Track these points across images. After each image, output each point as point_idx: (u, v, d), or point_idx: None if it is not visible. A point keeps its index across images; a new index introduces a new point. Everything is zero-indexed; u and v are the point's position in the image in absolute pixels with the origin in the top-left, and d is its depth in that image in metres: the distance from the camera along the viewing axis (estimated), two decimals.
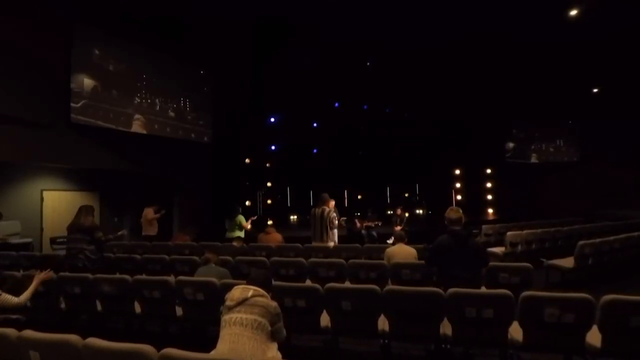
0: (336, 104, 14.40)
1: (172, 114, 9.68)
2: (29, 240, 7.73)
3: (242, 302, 2.26)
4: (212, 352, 2.16)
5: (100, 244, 4.65)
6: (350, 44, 10.33)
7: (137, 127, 8.79)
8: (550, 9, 8.84)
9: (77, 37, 7.64)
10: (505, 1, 8.59)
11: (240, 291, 2.33)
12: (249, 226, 7.15)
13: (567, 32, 9.66)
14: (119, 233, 5.09)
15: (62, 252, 5.24)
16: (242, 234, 6.97)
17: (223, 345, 2.16)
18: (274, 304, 2.34)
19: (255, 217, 7.74)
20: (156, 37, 9.25)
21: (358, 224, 9.06)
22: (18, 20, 6.76)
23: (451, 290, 2.75)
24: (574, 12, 8.71)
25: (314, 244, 5.88)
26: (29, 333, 2.09)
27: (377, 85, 12.74)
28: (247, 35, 10.20)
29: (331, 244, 5.86)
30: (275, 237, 6.43)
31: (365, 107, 14.74)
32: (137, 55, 8.93)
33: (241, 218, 7.03)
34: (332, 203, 6.73)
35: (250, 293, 2.29)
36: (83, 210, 4.67)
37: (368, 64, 12.43)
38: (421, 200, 15.02)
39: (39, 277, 3.36)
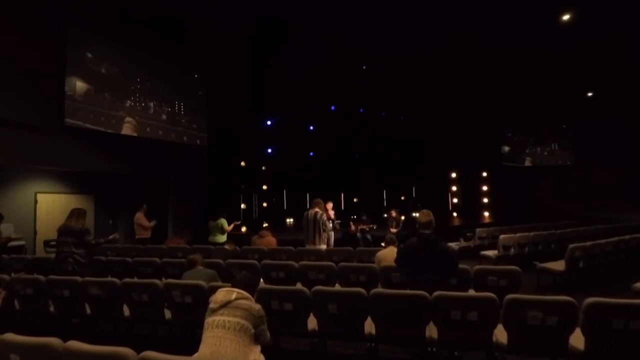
0: (332, 107, 14.45)
1: (164, 117, 9.69)
2: (22, 243, 7.71)
3: (226, 304, 2.25)
4: (194, 355, 2.16)
5: (89, 248, 4.61)
6: (346, 48, 10.38)
7: (127, 129, 8.78)
8: (544, 15, 8.92)
9: (70, 41, 7.67)
10: (502, 7, 8.66)
11: (224, 294, 2.33)
12: (229, 229, 7.37)
13: (561, 37, 9.74)
14: (111, 237, 5.04)
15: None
16: (224, 238, 7.17)
17: (205, 348, 2.15)
18: (258, 306, 2.34)
19: (239, 222, 7.83)
20: (151, 41, 9.27)
21: (353, 227, 9.08)
22: (11, 24, 6.78)
23: (436, 293, 2.76)
24: (566, 17, 8.79)
25: (307, 246, 5.89)
26: (9, 336, 2.09)
27: (373, 88, 12.80)
28: (243, 38, 10.22)
29: (323, 246, 5.87)
30: (269, 241, 6.40)
31: (361, 110, 14.79)
32: (131, 59, 8.95)
33: (223, 221, 7.14)
34: (330, 205, 6.78)
35: (233, 296, 2.29)
36: (75, 213, 4.64)
37: (364, 67, 12.48)
38: (417, 203, 15.01)
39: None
